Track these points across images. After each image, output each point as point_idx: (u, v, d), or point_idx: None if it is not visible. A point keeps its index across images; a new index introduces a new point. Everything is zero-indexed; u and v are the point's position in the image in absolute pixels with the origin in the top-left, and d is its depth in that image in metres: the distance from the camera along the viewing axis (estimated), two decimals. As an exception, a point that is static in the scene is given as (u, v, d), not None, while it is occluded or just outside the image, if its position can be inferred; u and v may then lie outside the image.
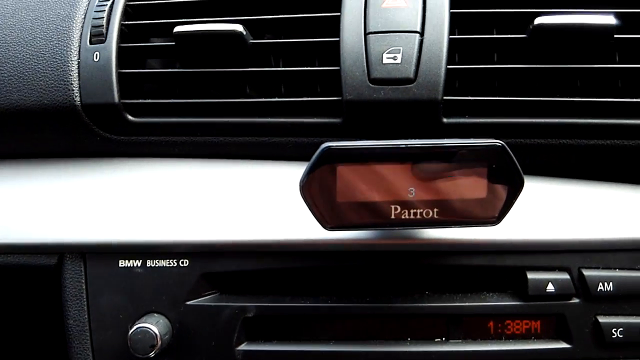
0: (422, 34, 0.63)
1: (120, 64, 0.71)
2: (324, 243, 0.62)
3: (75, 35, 0.73)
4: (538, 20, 0.62)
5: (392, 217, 0.52)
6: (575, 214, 0.64)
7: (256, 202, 0.66)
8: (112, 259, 0.67)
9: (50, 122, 0.72)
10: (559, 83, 0.65)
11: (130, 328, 0.64)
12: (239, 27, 0.67)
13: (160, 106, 0.70)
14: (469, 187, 0.53)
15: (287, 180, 0.65)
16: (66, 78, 0.71)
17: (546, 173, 0.67)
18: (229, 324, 0.65)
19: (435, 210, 0.53)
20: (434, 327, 0.65)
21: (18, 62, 0.73)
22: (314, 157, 0.54)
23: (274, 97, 0.67)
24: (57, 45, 0.73)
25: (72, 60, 0.72)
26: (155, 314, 0.66)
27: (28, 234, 0.69)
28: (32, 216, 0.70)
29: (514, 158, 0.53)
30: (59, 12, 0.75)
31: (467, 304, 0.63)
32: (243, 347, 0.66)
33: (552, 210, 0.64)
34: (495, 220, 0.55)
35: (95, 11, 0.74)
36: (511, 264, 0.64)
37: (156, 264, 0.66)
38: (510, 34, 0.65)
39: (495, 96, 0.64)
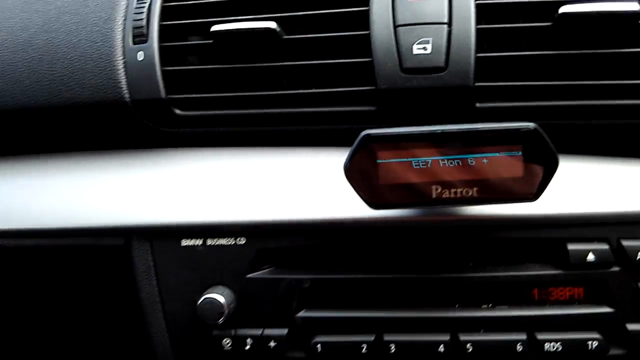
0: (450, 24, 0.67)
1: (162, 61, 0.77)
2: (370, 220, 0.69)
3: (118, 36, 0.79)
4: (563, 9, 0.66)
5: (434, 196, 0.59)
6: (610, 189, 0.68)
7: (301, 185, 0.73)
8: (175, 239, 0.75)
9: (103, 117, 0.79)
10: (586, 67, 0.69)
11: (198, 299, 0.73)
12: (272, 24, 0.72)
13: (205, 100, 0.76)
14: (506, 167, 0.57)
15: (328, 165, 0.72)
16: (114, 77, 0.77)
17: (580, 151, 0.72)
18: (287, 294, 0.73)
19: (474, 189, 0.58)
20: (481, 295, 0.70)
21: (67, 63, 0.79)
22: (355, 143, 0.60)
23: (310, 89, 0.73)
24: (102, 46, 0.79)
25: (118, 60, 0.78)
26: (220, 286, 0.74)
27: (98, 218, 0.77)
28: (100, 202, 0.77)
29: (547, 138, 0.57)
30: (100, 15, 0.80)
31: (511, 273, 0.69)
32: (301, 314, 0.73)
33: (589, 186, 0.69)
34: (534, 196, 0.59)
35: (134, 13, 0.79)
36: (551, 236, 0.68)
37: (215, 242, 0.74)
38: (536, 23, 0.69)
39: (525, 81, 0.68)
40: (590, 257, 0.67)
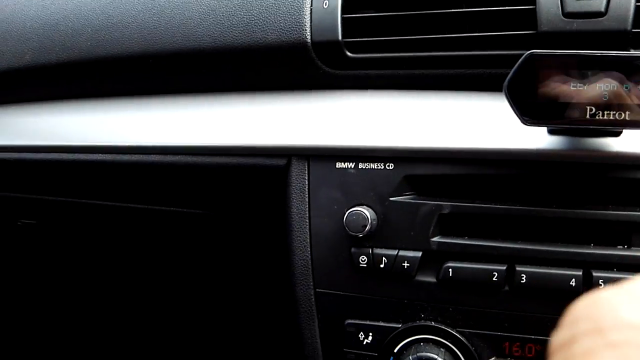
0: None
1: (343, 10, 0.89)
2: (514, 152, 0.74)
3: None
4: None
5: (587, 117, 0.64)
6: None
7: (452, 120, 0.80)
8: (331, 161, 0.84)
9: (283, 58, 0.92)
10: None
11: (343, 216, 0.81)
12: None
13: (375, 43, 0.87)
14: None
15: (480, 107, 0.78)
16: (301, 20, 0.89)
17: None
18: (426, 218, 0.79)
19: (627, 112, 0.63)
20: (617, 235, 0.72)
21: (262, 9, 0.93)
22: (519, 61, 0.66)
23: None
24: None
25: (306, 7, 0.90)
26: (364, 206, 0.82)
27: (265, 139, 0.89)
28: (268, 127, 0.89)
29: None
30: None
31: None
32: (437, 239, 0.79)
33: None
34: None
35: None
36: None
37: (366, 166, 0.83)
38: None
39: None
40: None
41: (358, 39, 0.87)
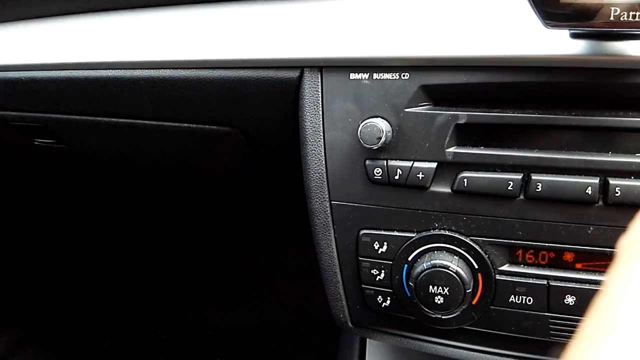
0: None
1: None
2: (536, 58, 0.71)
3: None
4: None
5: (612, 18, 0.61)
6: None
7: (471, 26, 0.77)
8: (344, 72, 0.82)
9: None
10: None
11: (358, 128, 0.80)
12: None
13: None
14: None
15: (499, 12, 0.75)
16: None
17: None
18: (442, 129, 0.78)
19: None
20: (636, 142, 0.71)
21: None
22: None
23: None
24: None
25: None
26: (379, 117, 0.81)
27: (277, 52, 0.87)
28: (279, 38, 0.87)
29: None
30: None
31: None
32: (453, 149, 0.78)
33: None
34: None
35: None
36: None
37: (381, 76, 0.81)
38: None
39: None
40: None
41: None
